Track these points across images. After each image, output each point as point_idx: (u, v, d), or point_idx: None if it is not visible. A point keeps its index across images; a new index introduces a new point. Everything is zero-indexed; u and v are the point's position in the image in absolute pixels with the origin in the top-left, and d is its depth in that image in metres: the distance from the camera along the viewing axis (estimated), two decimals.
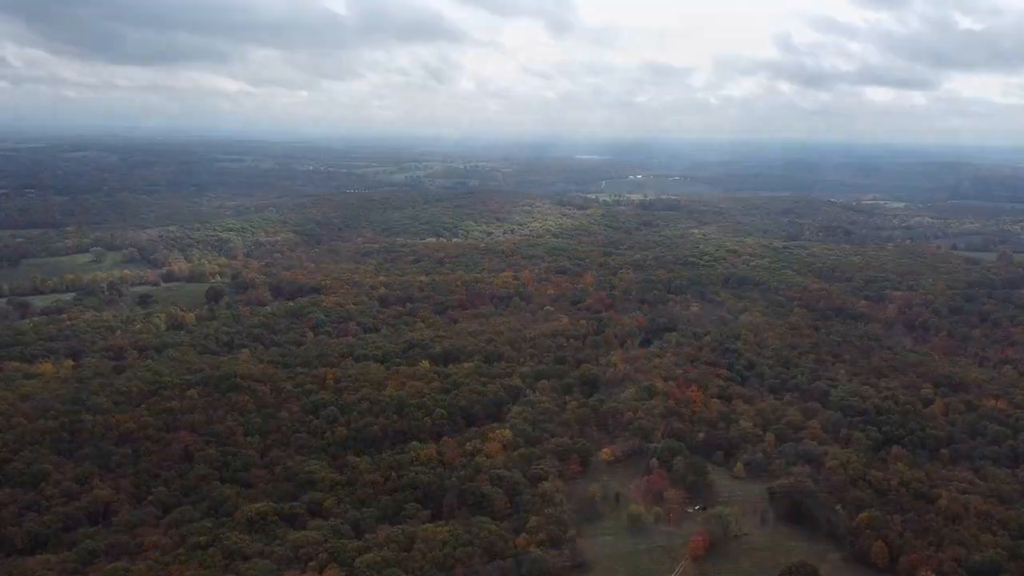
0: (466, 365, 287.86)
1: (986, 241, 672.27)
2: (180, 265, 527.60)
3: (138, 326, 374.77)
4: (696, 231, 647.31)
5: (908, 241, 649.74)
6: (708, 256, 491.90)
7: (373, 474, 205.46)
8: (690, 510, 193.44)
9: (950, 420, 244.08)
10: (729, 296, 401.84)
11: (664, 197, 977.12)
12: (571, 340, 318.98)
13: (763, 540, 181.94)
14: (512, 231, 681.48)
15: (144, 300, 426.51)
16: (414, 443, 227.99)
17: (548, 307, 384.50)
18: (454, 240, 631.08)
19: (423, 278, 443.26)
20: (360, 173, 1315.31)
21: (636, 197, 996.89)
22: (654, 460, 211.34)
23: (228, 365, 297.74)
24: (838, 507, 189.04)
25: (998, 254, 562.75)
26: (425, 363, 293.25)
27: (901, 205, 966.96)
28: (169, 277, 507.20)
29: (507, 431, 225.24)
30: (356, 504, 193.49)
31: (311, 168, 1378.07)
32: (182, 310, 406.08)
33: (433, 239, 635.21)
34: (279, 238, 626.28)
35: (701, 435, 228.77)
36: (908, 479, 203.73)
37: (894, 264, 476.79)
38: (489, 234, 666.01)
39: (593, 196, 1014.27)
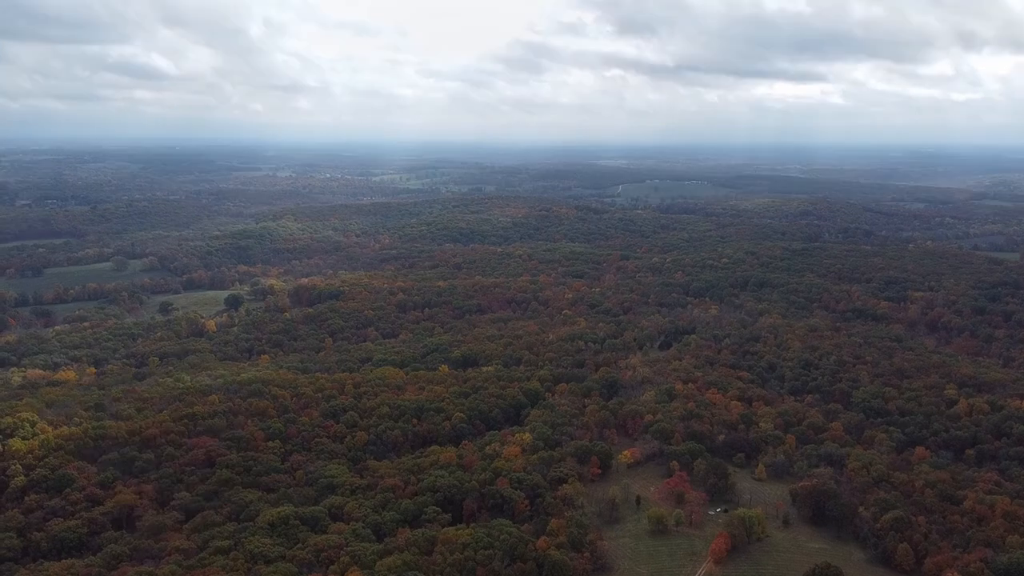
0: (485, 370, 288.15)
1: (1008, 241, 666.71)
2: (200, 273, 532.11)
3: (159, 333, 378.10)
4: (714, 233, 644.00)
5: (929, 243, 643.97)
6: (727, 259, 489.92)
7: (393, 478, 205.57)
8: (712, 512, 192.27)
9: (974, 421, 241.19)
10: (749, 298, 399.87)
11: (681, 201, 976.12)
12: (590, 344, 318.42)
13: (785, 542, 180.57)
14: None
15: (165, 308, 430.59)
16: (434, 447, 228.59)
17: (566, 311, 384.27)
18: (472, 246, 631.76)
19: (441, 283, 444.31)
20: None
21: (654, 200, 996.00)
22: (674, 462, 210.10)
23: (249, 371, 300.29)
24: (861, 509, 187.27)
25: (1021, 254, 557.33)
26: (444, 367, 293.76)
27: (921, 206, 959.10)
28: (190, 285, 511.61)
29: (526, 434, 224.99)
30: (377, 508, 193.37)
31: (328, 176, 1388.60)
32: (203, 317, 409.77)
33: (451, 245, 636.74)
34: (298, 245, 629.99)
35: (722, 437, 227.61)
36: (933, 480, 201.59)
37: (915, 265, 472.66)
38: (507, 239, 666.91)
39: (610, 199, 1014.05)
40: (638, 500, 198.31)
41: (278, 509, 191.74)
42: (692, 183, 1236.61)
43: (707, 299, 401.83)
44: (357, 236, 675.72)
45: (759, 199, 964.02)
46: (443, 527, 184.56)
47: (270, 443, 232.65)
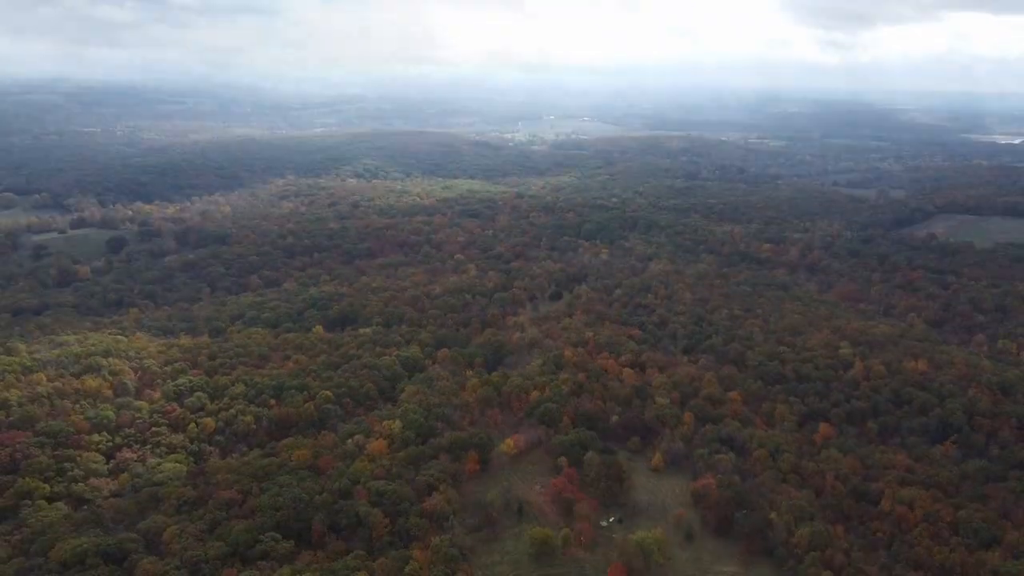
0: (362, 332, 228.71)
1: (862, 178, 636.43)
2: (93, 211, 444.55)
3: (22, 283, 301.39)
4: (603, 172, 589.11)
5: (795, 179, 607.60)
6: (616, 199, 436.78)
7: (231, 489, 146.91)
8: (604, 523, 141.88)
9: (873, 387, 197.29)
10: (638, 241, 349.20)
11: (575, 137, 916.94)
12: (477, 297, 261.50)
13: (690, 566, 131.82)
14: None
15: (38, 252, 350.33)
16: (288, 440, 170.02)
17: (458, 255, 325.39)
18: (373, 182, 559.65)
19: (334, 225, 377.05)
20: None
21: (549, 137, 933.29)
22: (563, 458, 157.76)
23: (99, 334, 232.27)
24: (773, 515, 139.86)
25: (877, 191, 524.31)
26: (318, 328, 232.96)
27: (783, 143, 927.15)
28: (79, 224, 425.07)
29: (396, 423, 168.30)
30: (204, 533, 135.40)
31: (248, 111, 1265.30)
32: (76, 262, 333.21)
33: (354, 180, 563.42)
34: (200, 180, 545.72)
35: (615, 417, 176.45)
36: (843, 471, 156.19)
37: (789, 205, 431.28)
38: (408, 174, 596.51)
39: (509, 136, 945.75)
40: (520, 509, 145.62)
41: (76, 541, 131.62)
42: (584, 120, 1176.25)
43: (598, 242, 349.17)
44: (262, 171, 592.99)
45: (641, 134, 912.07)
46: (280, 563, 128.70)
47: (95, 437, 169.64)
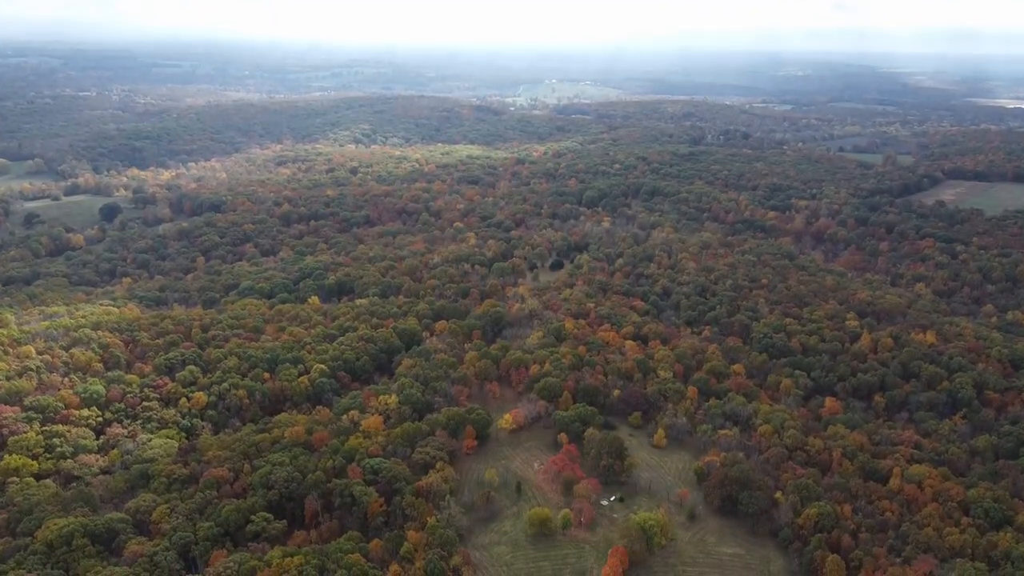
0: (359, 303, 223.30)
1: (869, 143, 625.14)
2: (87, 178, 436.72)
3: (13, 251, 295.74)
4: (605, 137, 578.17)
5: (801, 144, 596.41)
6: (620, 164, 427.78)
7: (222, 467, 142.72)
8: (605, 503, 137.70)
9: (881, 360, 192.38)
10: (641, 208, 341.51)
11: (576, 101, 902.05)
12: (477, 267, 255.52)
13: (692, 547, 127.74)
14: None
15: (30, 220, 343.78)
16: (283, 415, 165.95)
17: (458, 223, 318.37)
18: (372, 147, 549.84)
19: (331, 192, 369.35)
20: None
21: (551, 101, 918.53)
22: (562, 434, 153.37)
23: (92, 305, 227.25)
24: (779, 494, 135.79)
25: (884, 156, 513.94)
26: (314, 299, 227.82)
27: (788, 108, 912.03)
28: (73, 190, 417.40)
29: (392, 398, 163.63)
30: (195, 512, 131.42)
31: (246, 73, 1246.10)
32: (69, 231, 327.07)
33: (352, 146, 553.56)
34: (196, 146, 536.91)
35: (617, 392, 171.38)
36: (850, 448, 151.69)
37: (795, 171, 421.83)
38: (408, 140, 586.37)
39: (511, 100, 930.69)
40: (519, 487, 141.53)
41: (63, 522, 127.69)
42: (586, 84, 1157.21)
43: (600, 209, 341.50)
44: (259, 136, 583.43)
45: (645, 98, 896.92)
46: (272, 544, 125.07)
47: (85, 412, 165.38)
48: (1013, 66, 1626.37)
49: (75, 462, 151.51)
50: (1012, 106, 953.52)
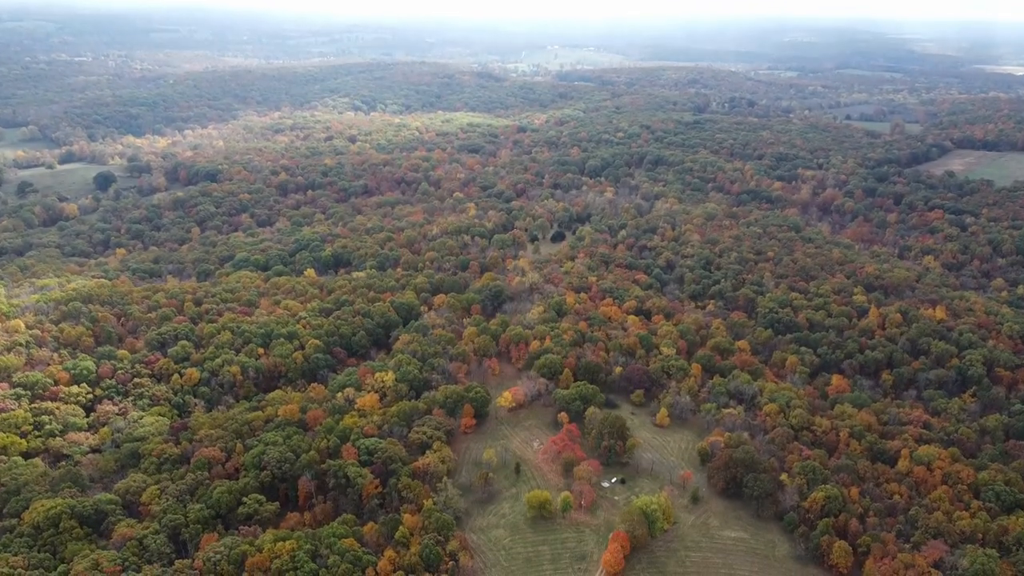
0: (356, 275, 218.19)
1: (876, 111, 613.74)
2: (81, 145, 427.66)
3: (5, 221, 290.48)
4: (608, 104, 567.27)
5: (808, 112, 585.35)
6: (623, 133, 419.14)
7: (214, 446, 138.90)
8: (605, 484, 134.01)
9: (889, 336, 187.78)
10: (644, 178, 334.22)
11: (579, 67, 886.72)
12: (476, 238, 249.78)
13: (695, 531, 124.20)
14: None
15: (23, 189, 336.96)
16: (277, 392, 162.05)
17: (458, 193, 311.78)
18: (371, 115, 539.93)
19: (328, 161, 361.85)
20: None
21: (553, 67, 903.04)
22: (563, 414, 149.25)
23: (83, 277, 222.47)
24: (784, 476, 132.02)
25: (892, 125, 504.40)
26: (310, 271, 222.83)
27: (794, 74, 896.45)
28: (68, 158, 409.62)
29: (388, 375, 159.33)
30: (185, 493, 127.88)
31: (245, 39, 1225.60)
32: (63, 200, 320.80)
33: (351, 113, 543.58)
34: (193, 112, 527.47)
35: (619, 369, 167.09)
36: (858, 428, 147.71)
37: (802, 140, 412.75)
38: (408, 107, 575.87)
39: (512, 66, 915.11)
40: (518, 468, 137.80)
41: (51, 503, 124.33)
42: (588, 50, 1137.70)
43: (602, 179, 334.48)
44: (257, 102, 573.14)
45: (648, 64, 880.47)
46: (264, 526, 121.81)
47: (75, 388, 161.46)
48: (1020, 32, 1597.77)
49: (64, 440, 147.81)
50: (1021, 73, 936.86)
